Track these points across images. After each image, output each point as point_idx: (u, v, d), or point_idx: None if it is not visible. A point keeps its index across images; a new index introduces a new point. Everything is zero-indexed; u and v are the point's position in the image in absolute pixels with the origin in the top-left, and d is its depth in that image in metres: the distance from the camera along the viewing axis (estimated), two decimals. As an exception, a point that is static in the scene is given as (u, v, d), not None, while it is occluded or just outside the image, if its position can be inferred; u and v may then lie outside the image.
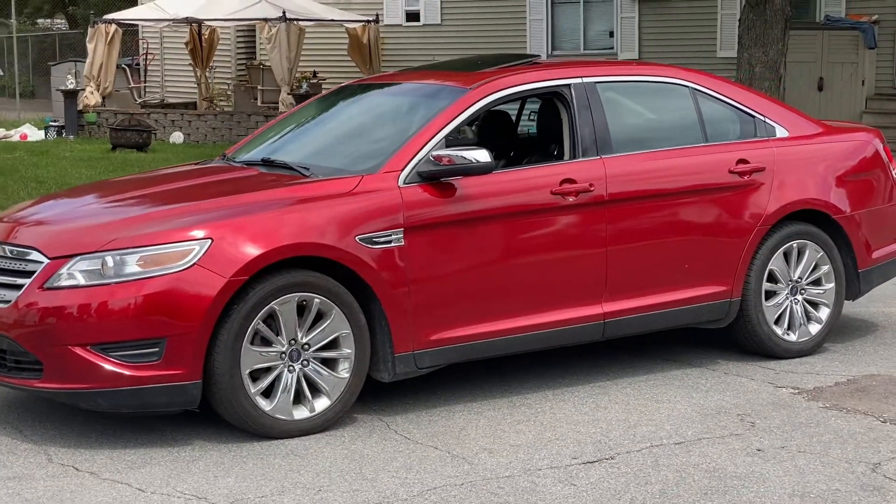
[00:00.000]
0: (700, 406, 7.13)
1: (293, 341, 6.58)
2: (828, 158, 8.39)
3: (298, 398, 6.65)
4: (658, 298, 7.69)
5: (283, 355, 6.57)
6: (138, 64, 29.29)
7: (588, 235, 7.41)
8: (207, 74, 26.93)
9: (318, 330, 6.64)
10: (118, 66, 26.09)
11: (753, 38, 15.85)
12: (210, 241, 6.37)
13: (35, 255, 6.52)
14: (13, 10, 30.21)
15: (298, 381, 6.62)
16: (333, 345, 6.70)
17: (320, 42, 26.73)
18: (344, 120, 8.01)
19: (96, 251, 6.37)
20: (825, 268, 8.26)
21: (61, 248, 6.48)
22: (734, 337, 8.18)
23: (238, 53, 28.09)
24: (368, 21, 25.43)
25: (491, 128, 8.44)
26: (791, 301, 8.18)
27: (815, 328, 8.26)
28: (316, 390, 6.68)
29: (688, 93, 8.05)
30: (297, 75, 24.67)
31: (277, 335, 6.54)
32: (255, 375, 6.52)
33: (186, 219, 6.56)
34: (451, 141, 7.16)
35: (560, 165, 7.48)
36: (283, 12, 23.55)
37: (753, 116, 8.20)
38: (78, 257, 6.39)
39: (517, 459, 6.25)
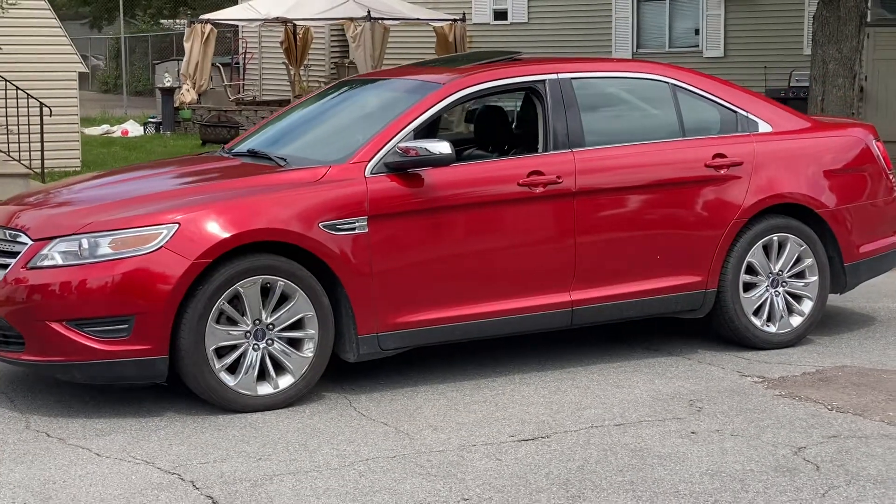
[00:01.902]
0: (657, 392, 7.38)
1: (258, 321, 6.98)
2: (813, 154, 8.55)
3: (264, 375, 7.02)
4: (629, 288, 7.94)
5: (248, 334, 6.97)
6: (238, 62, 30.05)
7: (556, 226, 7.69)
8: (302, 73, 27.55)
9: (282, 311, 7.03)
10: (213, 65, 26.81)
11: (827, 35, 15.81)
12: (177, 225, 6.80)
13: (23, 238, 7.02)
14: (121, 12, 31.04)
15: (263, 359, 7.00)
16: (298, 325, 7.08)
17: (408, 40, 27.21)
18: (331, 113, 8.40)
19: (73, 234, 6.85)
20: (808, 261, 8.42)
21: (44, 231, 6.97)
22: (714, 327, 8.40)
23: (332, 52, 28.69)
24: (455, 20, 25.82)
25: (486, 122, 8.75)
26: (772, 293, 8.35)
27: (796, 320, 8.42)
28: (280, 368, 7.07)
29: (667, 89, 8.29)
30: (383, 73, 25.08)
31: (242, 315, 6.95)
32: (221, 352, 6.93)
33: (157, 205, 7.01)
34: (419, 133, 7.50)
35: (529, 158, 7.79)
36: (368, 11, 24.04)
37: (735, 112, 8.40)
38: (57, 239, 6.87)
39: (457, 436, 6.57)
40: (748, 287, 8.30)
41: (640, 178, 7.95)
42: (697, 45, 25.52)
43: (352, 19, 24.41)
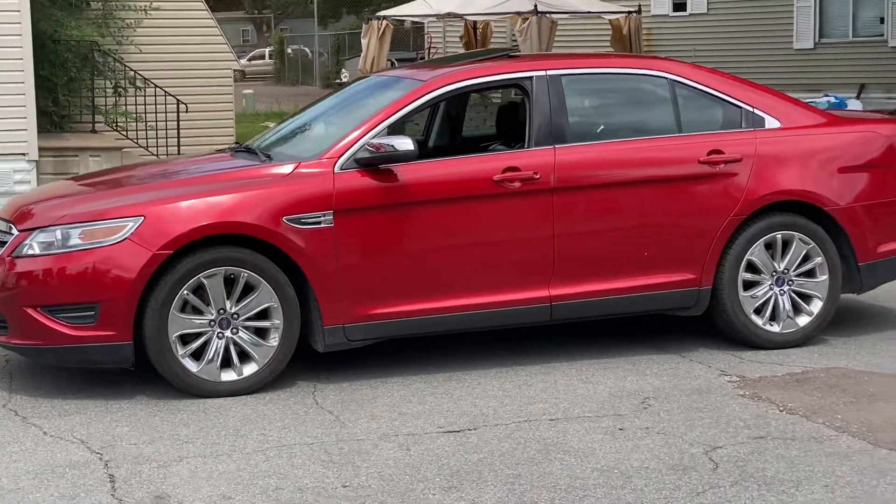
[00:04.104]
0: (620, 388, 7.39)
1: (222, 311, 7.30)
2: (825, 150, 8.37)
3: (231, 362, 7.34)
4: (614, 284, 7.96)
5: (213, 323, 7.30)
6: (423, 57, 30.57)
7: (533, 221, 7.77)
8: (481, 67, 27.78)
9: (247, 301, 7.33)
10: (389, 60, 27.34)
11: None
12: (142, 218, 7.18)
13: (14, 229, 7.52)
14: (316, 12, 31.96)
15: (228, 347, 7.31)
16: (264, 315, 7.37)
17: (580, 34, 27.24)
18: (329, 110, 8.65)
19: (50, 225, 7.31)
20: (818, 259, 8.27)
21: (28, 223, 7.46)
22: (716, 326, 8.32)
23: (513, 46, 28.84)
24: (630, 12, 25.68)
25: (506, 117, 8.90)
26: (776, 292, 8.23)
27: (804, 320, 8.28)
28: (246, 356, 7.37)
29: (666, 84, 8.25)
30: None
31: (207, 305, 7.28)
32: (187, 339, 7.27)
33: (127, 198, 7.43)
34: (396, 129, 7.70)
35: (506, 154, 7.89)
36: (535, 5, 24.14)
37: (741, 108, 8.30)
38: (38, 230, 7.35)
39: (389, 426, 6.75)
40: (750, 285, 8.19)
41: (625, 175, 7.95)
42: (882, 35, 24.80)
43: (519, 13, 24.54)
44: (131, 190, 7.68)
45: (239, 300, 7.32)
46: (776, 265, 8.21)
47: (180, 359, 7.24)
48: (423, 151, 8.97)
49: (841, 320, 8.85)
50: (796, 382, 7.46)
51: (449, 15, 25.52)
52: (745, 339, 8.19)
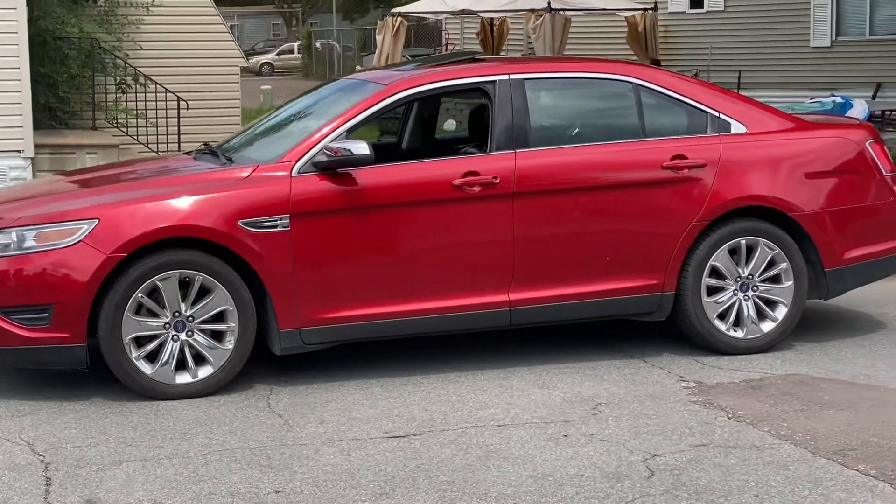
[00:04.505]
0: (574, 394, 7.38)
1: (177, 314, 7.33)
2: (791, 156, 8.33)
3: (186, 364, 7.37)
4: (575, 289, 7.94)
5: (168, 325, 7.33)
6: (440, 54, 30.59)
7: (492, 226, 7.76)
8: (497, 64, 27.76)
9: (202, 304, 7.36)
10: (403, 56, 27.34)
11: None
12: (97, 220, 7.22)
13: None
14: (334, 6, 31.99)
15: (183, 350, 7.34)
16: (220, 318, 7.40)
17: (594, 31, 27.17)
18: (298, 111, 8.66)
19: (6, 227, 7.35)
20: (783, 265, 8.24)
21: (-11, 225, 7.50)
22: (681, 332, 8.29)
23: (529, 44, 28.79)
24: (646, 9, 25.61)
25: (473, 121, 8.89)
26: (740, 298, 8.20)
27: (768, 326, 8.25)
28: (202, 359, 7.40)
29: (631, 89, 8.22)
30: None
31: (162, 307, 7.31)
32: (142, 342, 7.30)
33: (85, 200, 7.47)
34: (388, 130, 7.72)
35: (467, 158, 7.89)
36: (548, 3, 24.09)
37: (706, 113, 8.27)
38: (-3, 232, 7.39)
39: (335, 431, 6.76)
40: (714, 291, 8.16)
41: (588, 179, 7.93)
42: (900, 32, 24.61)
43: (533, 10, 24.51)
44: (91, 192, 7.71)
45: (194, 303, 7.35)
46: (741, 271, 8.18)
47: (134, 361, 7.27)
48: (397, 154, 9.01)
49: (812, 325, 8.83)
50: (752, 389, 7.43)
51: (463, 12, 25.52)
52: (708, 345, 8.17)
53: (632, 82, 8.24)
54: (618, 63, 8.49)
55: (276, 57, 66.71)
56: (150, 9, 17.31)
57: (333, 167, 7.52)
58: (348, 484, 5.95)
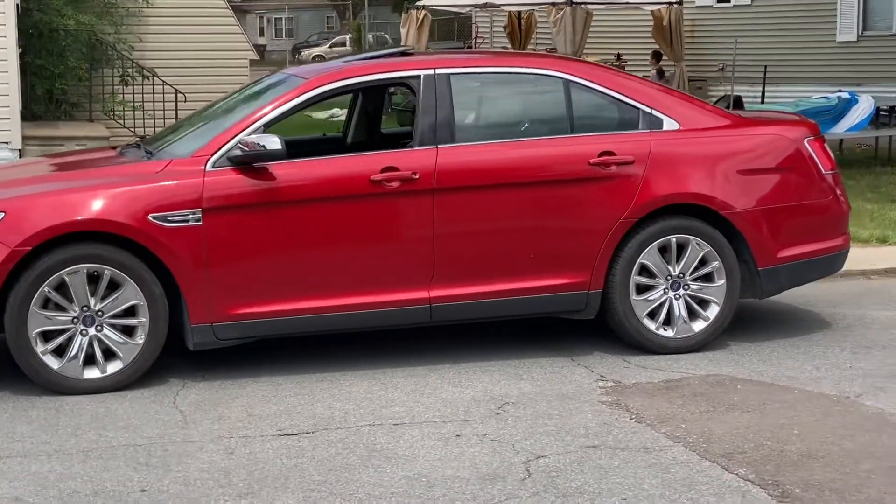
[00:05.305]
0: (486, 393, 7.28)
1: (86, 308, 7.29)
2: (724, 153, 8.17)
3: (96, 359, 7.34)
4: (499, 286, 7.83)
5: (76, 320, 7.29)
6: (470, 47, 30.50)
7: (411, 222, 7.67)
8: (523, 57, 27.67)
9: (112, 299, 7.32)
10: (427, 49, 27.28)
11: None
12: (3, 213, 7.20)
13: None
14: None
15: (91, 344, 7.31)
16: (131, 313, 7.36)
17: (617, 25, 26.97)
18: (227, 105, 8.59)
19: (-79, 221, 7.35)
20: (715, 264, 8.09)
21: None
22: (612, 331, 8.17)
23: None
24: (671, 3, 25.39)
25: (410, 115, 8.81)
26: (671, 296, 8.06)
27: (699, 325, 8.11)
28: (112, 354, 7.37)
29: (561, 84, 8.09)
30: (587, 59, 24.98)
31: (70, 302, 7.28)
32: (50, 336, 7.28)
33: (-2, 193, 7.44)
34: (322, 126, 7.66)
35: (386, 154, 7.80)
36: (570, -3, 23.94)
37: (638, 109, 8.12)
38: (-87, 227, 7.39)
39: (228, 428, 6.70)
40: (644, 289, 8.03)
41: (511, 176, 7.82)
42: (927, 28, 24.25)
43: (554, 4, 24.35)
44: (3, 184, 7.68)
45: (104, 297, 7.32)
46: (671, 269, 8.04)
47: (40, 356, 7.25)
48: (341, 149, 8.95)
49: (754, 325, 8.69)
50: (666, 389, 7.30)
51: (486, 5, 25.39)
52: (637, 344, 8.05)
53: (562, 78, 8.11)
54: (549, 58, 8.41)
55: (329, 49, 66.84)
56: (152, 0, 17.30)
57: (248, 161, 7.46)
58: (218, 483, 5.88)
